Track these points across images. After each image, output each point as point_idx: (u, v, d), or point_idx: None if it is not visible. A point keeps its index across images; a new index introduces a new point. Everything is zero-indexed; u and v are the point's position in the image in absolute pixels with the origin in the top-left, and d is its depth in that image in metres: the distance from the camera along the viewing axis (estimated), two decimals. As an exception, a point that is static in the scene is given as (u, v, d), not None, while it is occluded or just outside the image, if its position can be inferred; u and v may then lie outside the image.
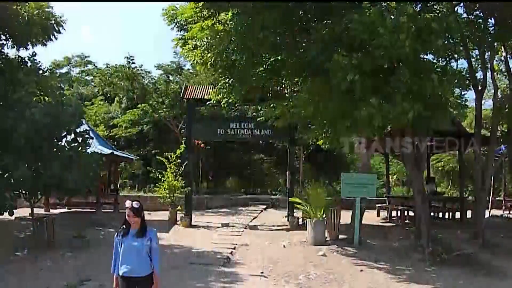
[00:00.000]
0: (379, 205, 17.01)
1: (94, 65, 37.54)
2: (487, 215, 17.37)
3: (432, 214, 15.80)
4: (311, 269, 9.01)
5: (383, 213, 16.79)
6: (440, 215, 15.91)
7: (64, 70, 40.66)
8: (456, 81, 10.21)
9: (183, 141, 15.20)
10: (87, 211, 15.22)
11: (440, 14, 9.74)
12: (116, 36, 62.01)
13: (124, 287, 4.55)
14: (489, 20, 12.12)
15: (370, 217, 16.33)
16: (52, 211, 15.50)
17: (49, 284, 7.72)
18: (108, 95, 27.65)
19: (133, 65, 21.65)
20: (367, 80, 8.67)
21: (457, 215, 15.84)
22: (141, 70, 22.04)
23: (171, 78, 24.25)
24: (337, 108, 9.23)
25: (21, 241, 10.96)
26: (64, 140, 9.81)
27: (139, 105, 22.36)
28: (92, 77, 35.18)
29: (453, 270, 9.29)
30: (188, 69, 25.71)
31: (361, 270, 9.13)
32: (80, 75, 40.18)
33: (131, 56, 21.74)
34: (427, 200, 12.23)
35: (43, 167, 9.00)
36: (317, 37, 9.20)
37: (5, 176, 9.18)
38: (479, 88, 12.68)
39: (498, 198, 20.07)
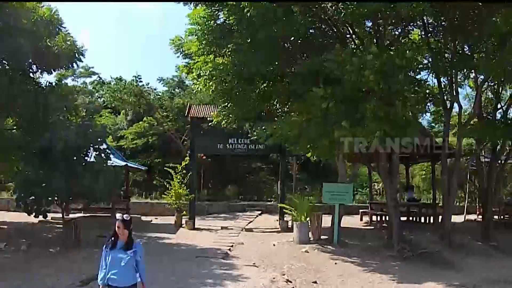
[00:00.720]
0: (362, 210, 18.99)
1: (99, 76, 39.59)
2: (462, 219, 19.42)
3: (410, 218, 17.85)
4: (294, 261, 10.98)
5: (366, 218, 18.75)
6: (417, 219, 17.85)
7: (69, 80, 42.83)
8: (418, 106, 12.32)
9: (187, 154, 17.18)
10: (102, 216, 17.17)
11: (403, 50, 11.76)
12: (120, 45, 64.10)
13: None
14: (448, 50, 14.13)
15: (354, 221, 18.34)
16: (71, 215, 17.46)
17: (84, 273, 9.66)
18: (114, 106, 29.69)
19: (140, 83, 23.78)
20: (339, 107, 10.68)
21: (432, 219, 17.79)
22: (148, 87, 24.18)
23: (174, 91, 26.29)
24: (316, 130, 11.24)
25: (52, 240, 12.93)
26: (91, 155, 11.83)
27: (145, 118, 24.44)
28: (97, 89, 37.25)
29: (416, 264, 11.16)
30: (190, 85, 27.84)
31: (336, 263, 11.08)
32: (83, 85, 42.15)
33: (138, 75, 23.92)
34: (398, 206, 14.18)
35: (75, 179, 10.98)
36: (299, 71, 11.24)
37: (43, 186, 11.16)
38: (448, 107, 14.62)
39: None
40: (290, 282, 9.18)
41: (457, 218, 17.39)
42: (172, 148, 24.10)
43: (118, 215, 4.94)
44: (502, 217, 18.85)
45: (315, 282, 9.26)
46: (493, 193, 16.17)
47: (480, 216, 20.37)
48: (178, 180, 15.93)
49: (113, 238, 4.85)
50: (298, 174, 24.73)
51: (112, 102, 26.83)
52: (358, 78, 10.28)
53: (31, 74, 13.36)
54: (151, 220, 17.91)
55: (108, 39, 64.36)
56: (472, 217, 20.28)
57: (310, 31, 11.88)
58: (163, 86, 30.68)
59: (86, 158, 11.90)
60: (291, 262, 10.90)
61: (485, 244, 13.92)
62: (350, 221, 17.88)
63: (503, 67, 10.96)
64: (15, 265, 10.49)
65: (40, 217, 12.33)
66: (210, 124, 14.36)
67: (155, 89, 25.21)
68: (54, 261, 10.87)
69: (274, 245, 13.12)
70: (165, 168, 16.68)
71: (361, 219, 18.92)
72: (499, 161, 15.95)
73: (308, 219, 13.26)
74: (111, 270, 4.79)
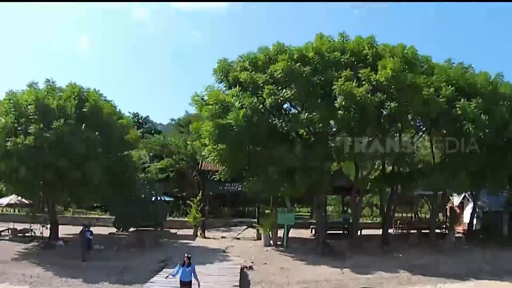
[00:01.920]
0: (312, 226, 29.50)
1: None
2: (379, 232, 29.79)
3: (341, 232, 28.26)
4: (259, 255, 21.57)
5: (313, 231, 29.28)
6: (344, 232, 28.31)
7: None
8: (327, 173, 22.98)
9: (196, 184, 27.75)
10: (150, 230, 27.35)
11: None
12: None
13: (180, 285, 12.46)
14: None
15: (306, 233, 28.86)
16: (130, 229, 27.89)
17: (153, 259, 19.96)
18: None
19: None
20: (284, 177, 21.25)
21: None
22: (172, 141, 34.86)
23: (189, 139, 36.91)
24: (271, 187, 21.77)
25: (125, 244, 23.35)
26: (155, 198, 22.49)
27: (166, 159, 35.08)
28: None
29: (326, 258, 21.54)
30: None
31: (280, 256, 21.62)
32: None
33: (165, 135, 34.55)
34: (323, 224, 24.71)
35: (146, 211, 21.52)
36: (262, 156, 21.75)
37: (128, 215, 21.69)
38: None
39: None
40: (253, 263, 19.74)
41: (376, 231, 27.94)
42: (186, 181, 34.70)
43: (186, 254, 12.78)
44: (399, 230, 29.38)
45: (265, 264, 19.85)
46: (391, 215, 26.78)
47: (397, 230, 30.98)
48: (195, 208, 26.43)
49: (183, 262, 12.36)
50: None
51: (149, 152, 37.37)
52: (293, 162, 20.78)
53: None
54: (177, 232, 28.33)
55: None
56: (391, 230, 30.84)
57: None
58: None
59: (152, 198, 22.51)
60: (257, 255, 21.52)
61: (378, 248, 24.25)
62: (304, 233, 28.53)
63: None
64: (115, 257, 20.89)
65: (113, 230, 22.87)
66: (214, 176, 24.87)
67: (176, 141, 35.87)
68: (136, 254, 21.34)
69: (250, 247, 23.70)
70: (187, 201, 27.31)
71: (311, 232, 29.41)
72: (395, 195, 26.14)
73: (269, 232, 23.84)
74: (181, 273, 12.32)
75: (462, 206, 32.04)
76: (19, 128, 19.71)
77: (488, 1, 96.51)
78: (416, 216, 34.39)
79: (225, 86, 22.76)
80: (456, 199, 32.44)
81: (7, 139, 19.10)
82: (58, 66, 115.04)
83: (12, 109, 20.24)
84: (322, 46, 21.74)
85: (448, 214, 31.10)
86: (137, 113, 52.18)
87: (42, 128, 18.83)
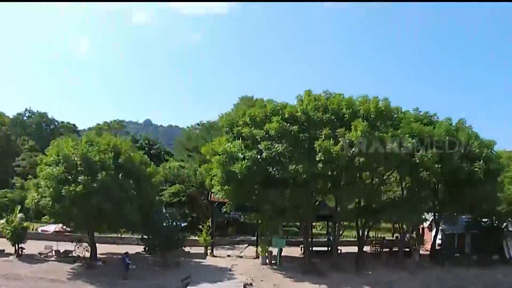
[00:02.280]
0: (301, 245, 35.05)
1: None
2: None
3: (325, 249, 33.82)
4: (258, 273, 27.25)
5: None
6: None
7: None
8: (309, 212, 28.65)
9: (205, 208, 33.35)
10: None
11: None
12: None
13: None
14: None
15: (296, 251, 34.42)
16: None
17: (176, 277, 25.55)
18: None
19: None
20: (278, 214, 26.89)
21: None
22: (184, 172, 40.49)
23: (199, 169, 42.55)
24: (271, 219, 27.42)
25: (152, 263, 28.93)
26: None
27: (179, 186, 40.68)
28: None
29: (313, 276, 27.17)
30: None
31: (274, 273, 27.25)
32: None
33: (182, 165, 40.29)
34: (308, 243, 30.25)
35: (169, 235, 27.21)
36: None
37: (155, 241, 27.34)
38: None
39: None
40: (253, 280, 25.38)
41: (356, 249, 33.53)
42: (196, 204, 40.32)
43: None
44: (374, 249, 34.95)
45: (262, 280, 25.50)
46: (365, 238, 32.35)
47: (371, 249, 36.49)
48: (205, 232, 32.01)
49: None
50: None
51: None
52: (283, 203, 26.35)
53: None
54: (190, 250, 33.80)
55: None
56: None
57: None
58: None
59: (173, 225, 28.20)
60: (256, 273, 27.20)
61: (353, 266, 29.83)
62: (293, 251, 34.11)
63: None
64: (146, 276, 26.49)
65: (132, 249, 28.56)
66: (222, 208, 30.45)
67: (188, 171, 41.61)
68: (162, 273, 26.93)
69: (250, 265, 29.35)
70: (197, 222, 32.98)
71: (301, 250, 34.95)
72: (368, 222, 31.69)
73: (266, 253, 29.47)
74: None
75: (431, 227, 37.60)
76: (69, 177, 25.29)
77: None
78: (393, 236, 39.93)
79: (230, 137, 28.40)
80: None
81: (60, 185, 24.76)
82: (58, 68, 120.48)
83: (62, 161, 25.93)
84: (309, 104, 27.41)
85: (420, 234, 36.67)
86: (147, 138, 58.06)
87: (89, 179, 24.42)
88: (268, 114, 27.70)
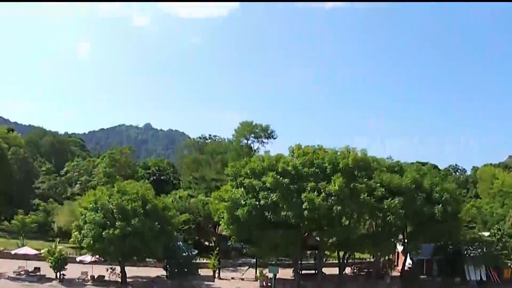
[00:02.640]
0: (293, 268, 41.70)
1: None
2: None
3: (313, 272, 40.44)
4: (257, 295, 33.97)
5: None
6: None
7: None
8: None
9: (212, 234, 40.16)
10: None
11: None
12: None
13: None
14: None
15: (288, 272, 40.98)
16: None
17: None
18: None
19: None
20: (271, 247, 33.63)
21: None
22: (194, 204, 47.20)
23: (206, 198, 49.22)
24: (265, 252, 34.12)
25: (169, 285, 35.53)
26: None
27: (188, 215, 47.33)
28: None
29: None
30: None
31: (271, 296, 34.00)
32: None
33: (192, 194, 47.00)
34: (298, 269, 36.93)
35: (183, 261, 33.92)
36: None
37: (172, 266, 34.03)
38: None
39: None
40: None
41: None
42: (203, 231, 47.01)
43: None
44: (354, 271, 41.62)
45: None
46: (345, 263, 39.04)
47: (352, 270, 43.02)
48: (214, 258, 38.66)
49: None
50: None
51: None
52: (277, 241, 33.08)
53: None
54: (200, 273, 40.26)
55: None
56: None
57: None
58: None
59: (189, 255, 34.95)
60: (255, 295, 33.88)
61: (335, 286, 36.48)
62: (286, 273, 40.65)
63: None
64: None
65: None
66: (228, 242, 37.12)
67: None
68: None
69: (251, 288, 36.08)
70: (206, 250, 39.71)
71: (292, 272, 41.53)
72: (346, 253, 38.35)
73: (263, 277, 36.20)
74: None
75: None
76: (107, 222, 31.98)
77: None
78: (373, 257, 46.60)
79: (234, 185, 35.15)
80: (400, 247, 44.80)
81: (100, 229, 31.45)
82: (58, 70, 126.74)
83: (100, 208, 32.68)
84: (298, 159, 34.28)
85: (392, 259, 43.34)
86: (157, 164, 65.06)
87: (125, 224, 31.12)
88: (265, 167, 34.41)
